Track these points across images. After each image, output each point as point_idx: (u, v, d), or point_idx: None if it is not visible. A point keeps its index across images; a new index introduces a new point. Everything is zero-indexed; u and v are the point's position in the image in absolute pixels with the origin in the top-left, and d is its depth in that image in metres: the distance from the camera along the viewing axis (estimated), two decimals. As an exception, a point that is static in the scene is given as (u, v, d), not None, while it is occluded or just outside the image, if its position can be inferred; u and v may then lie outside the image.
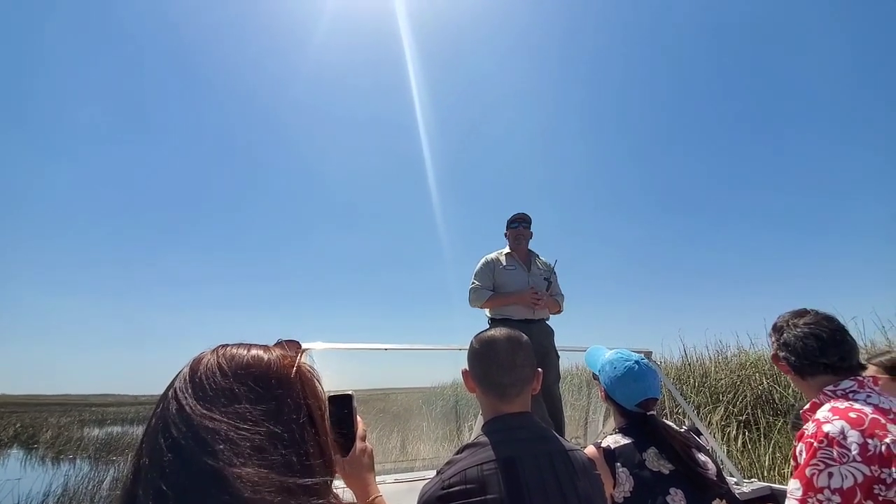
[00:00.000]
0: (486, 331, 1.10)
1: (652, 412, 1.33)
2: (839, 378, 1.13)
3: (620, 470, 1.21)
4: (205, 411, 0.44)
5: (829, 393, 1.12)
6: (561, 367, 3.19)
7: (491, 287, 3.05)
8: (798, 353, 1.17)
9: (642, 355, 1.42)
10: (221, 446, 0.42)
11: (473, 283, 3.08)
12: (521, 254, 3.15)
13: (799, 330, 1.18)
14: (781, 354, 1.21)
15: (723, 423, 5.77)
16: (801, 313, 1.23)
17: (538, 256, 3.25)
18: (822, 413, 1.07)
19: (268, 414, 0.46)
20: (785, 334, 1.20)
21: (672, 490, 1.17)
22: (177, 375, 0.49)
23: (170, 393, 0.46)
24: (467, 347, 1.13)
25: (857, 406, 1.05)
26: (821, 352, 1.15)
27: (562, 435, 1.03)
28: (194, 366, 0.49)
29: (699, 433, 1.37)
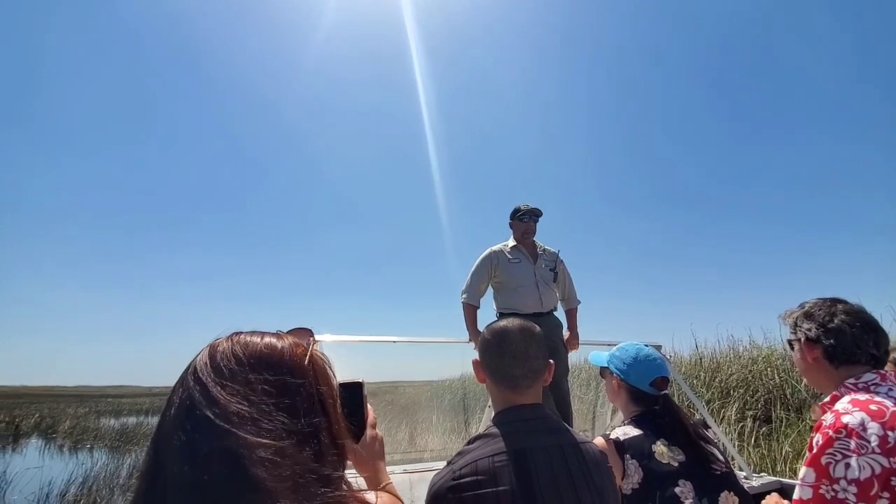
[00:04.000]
0: (498, 321, 1.09)
1: (665, 391, 1.35)
2: (868, 369, 1.11)
3: (630, 462, 1.21)
4: (227, 395, 0.45)
5: (850, 386, 1.10)
6: (569, 361, 3.19)
7: (482, 294, 3.06)
8: (850, 341, 1.12)
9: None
10: (245, 431, 0.43)
11: (464, 294, 3.05)
12: (527, 246, 3.10)
13: (848, 317, 1.14)
14: (828, 341, 1.14)
15: (734, 417, 5.73)
16: (840, 301, 1.18)
17: (544, 247, 3.20)
18: (842, 405, 1.05)
19: (282, 402, 0.47)
20: (836, 321, 1.14)
21: (681, 482, 1.16)
22: (194, 359, 0.50)
23: (190, 377, 0.47)
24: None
25: (877, 399, 1.03)
26: (874, 342, 1.12)
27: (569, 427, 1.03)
28: (212, 352, 0.50)
29: (707, 427, 1.37)
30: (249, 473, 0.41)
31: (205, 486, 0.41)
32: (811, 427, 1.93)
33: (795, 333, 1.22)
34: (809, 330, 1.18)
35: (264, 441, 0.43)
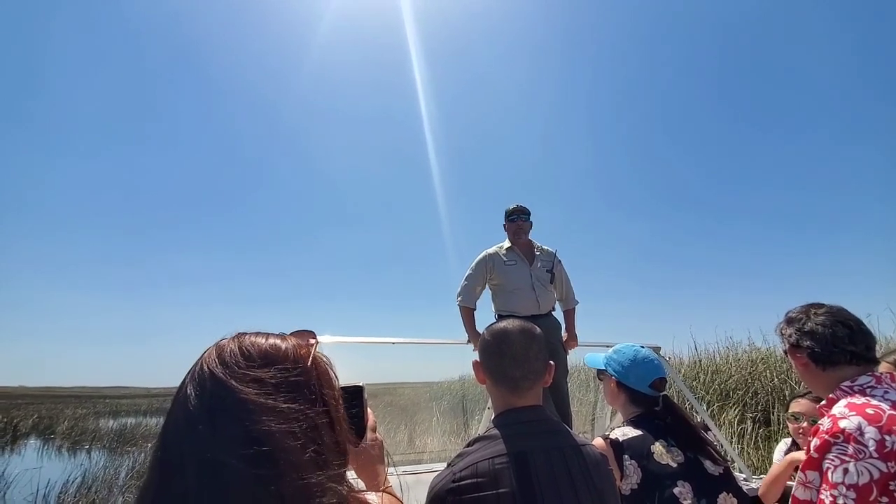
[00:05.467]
0: (498, 323, 1.09)
1: (664, 392, 1.36)
2: (860, 370, 1.11)
3: (628, 462, 1.21)
4: (242, 386, 0.47)
5: (845, 389, 1.10)
6: (569, 363, 3.19)
7: (477, 296, 3.06)
8: (826, 341, 1.13)
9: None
10: (264, 415, 0.45)
11: (459, 296, 3.06)
12: (522, 247, 3.09)
13: (823, 318, 1.15)
14: (806, 343, 1.16)
15: (734, 419, 5.73)
16: (818, 305, 1.20)
17: (541, 246, 3.17)
18: (838, 409, 1.05)
19: (287, 399, 0.48)
20: (809, 323, 1.17)
21: (680, 483, 1.17)
22: (201, 357, 0.51)
23: (203, 372, 0.48)
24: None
25: (874, 402, 1.03)
26: (850, 339, 1.12)
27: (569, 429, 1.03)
28: (219, 351, 0.51)
29: (707, 429, 1.38)
30: (271, 455, 0.43)
31: (231, 468, 0.42)
32: (785, 421, 1.94)
33: (784, 343, 1.24)
34: (790, 336, 1.20)
35: (280, 425, 0.45)
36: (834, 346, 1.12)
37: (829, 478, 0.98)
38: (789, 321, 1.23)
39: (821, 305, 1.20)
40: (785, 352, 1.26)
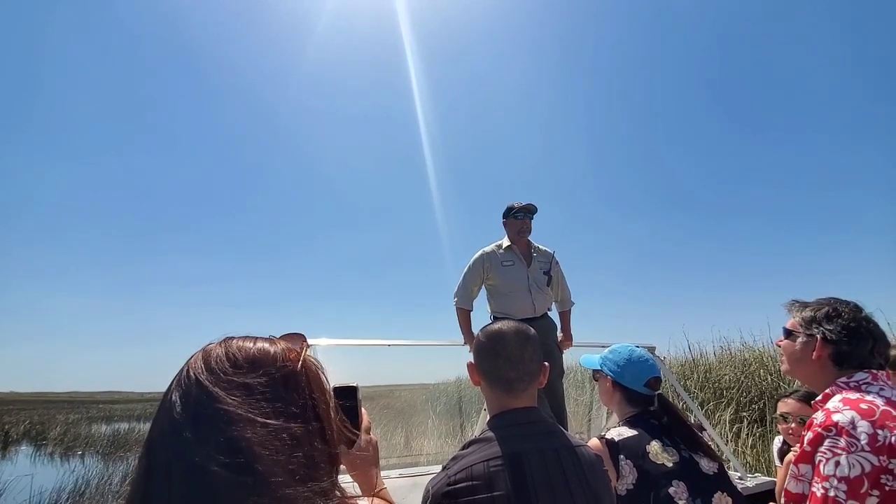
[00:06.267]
0: (493, 324, 1.09)
1: (659, 391, 1.37)
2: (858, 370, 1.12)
3: (624, 462, 1.21)
4: (226, 393, 0.46)
5: (841, 385, 1.11)
6: (564, 363, 3.19)
7: (474, 297, 3.05)
8: (868, 349, 1.12)
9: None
10: (248, 424, 0.44)
11: (456, 297, 3.05)
12: (522, 246, 3.01)
13: (874, 327, 1.15)
14: (848, 347, 1.13)
15: (728, 418, 5.76)
16: (856, 307, 1.18)
17: (538, 247, 3.11)
18: (833, 403, 1.07)
19: (275, 405, 0.47)
20: (862, 329, 1.14)
21: (675, 482, 1.17)
22: (187, 363, 0.50)
23: (187, 379, 0.48)
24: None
25: (868, 398, 1.04)
26: (886, 356, 1.14)
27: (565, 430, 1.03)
28: (205, 356, 0.50)
29: (702, 429, 1.39)
30: (254, 464, 0.43)
31: (217, 475, 0.42)
32: (774, 420, 1.96)
33: (809, 329, 1.18)
34: (832, 331, 1.14)
35: (265, 433, 0.45)
36: (872, 356, 1.13)
37: (821, 470, 0.99)
38: (831, 317, 1.16)
39: (862, 308, 1.18)
40: (790, 332, 1.22)
